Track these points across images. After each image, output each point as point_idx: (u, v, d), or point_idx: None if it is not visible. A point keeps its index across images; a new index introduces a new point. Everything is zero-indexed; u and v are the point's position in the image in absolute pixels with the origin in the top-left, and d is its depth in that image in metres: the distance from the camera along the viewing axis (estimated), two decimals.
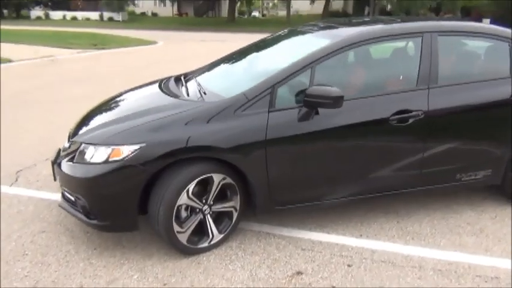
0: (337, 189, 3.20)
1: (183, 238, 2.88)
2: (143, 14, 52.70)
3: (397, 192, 3.35)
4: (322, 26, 3.78)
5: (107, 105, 3.55)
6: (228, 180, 2.94)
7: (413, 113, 3.10)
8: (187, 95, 3.30)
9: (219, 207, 3.00)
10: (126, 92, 3.91)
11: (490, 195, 3.80)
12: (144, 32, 29.50)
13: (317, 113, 2.95)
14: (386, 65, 3.64)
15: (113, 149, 2.75)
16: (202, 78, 3.63)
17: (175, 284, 2.70)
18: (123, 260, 2.94)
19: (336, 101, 2.81)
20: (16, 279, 2.71)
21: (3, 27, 32.05)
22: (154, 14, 52.17)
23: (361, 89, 3.24)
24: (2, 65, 12.84)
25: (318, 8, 49.99)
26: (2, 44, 19.09)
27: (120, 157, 2.72)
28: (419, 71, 3.19)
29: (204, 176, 2.84)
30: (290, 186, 3.06)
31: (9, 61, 13.50)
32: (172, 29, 34.37)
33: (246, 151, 2.86)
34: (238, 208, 3.07)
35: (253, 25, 38.43)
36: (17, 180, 4.21)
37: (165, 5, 51.76)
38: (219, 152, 2.82)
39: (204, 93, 3.22)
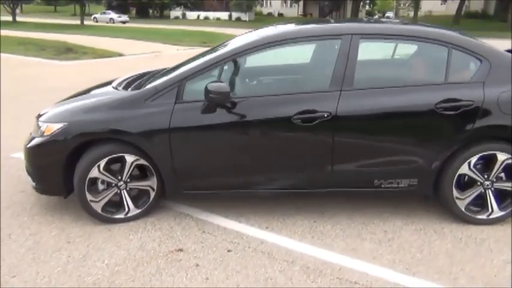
0: (248, 181, 3.38)
1: (97, 207, 3.36)
2: (270, 14, 54.61)
3: (321, 192, 3.40)
4: (271, 25, 3.92)
5: (79, 92, 4.16)
6: (142, 161, 3.34)
7: (318, 113, 3.14)
8: (132, 87, 3.71)
9: (135, 184, 3.42)
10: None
11: (436, 209, 3.58)
12: None
13: (233, 107, 3.19)
14: (302, 66, 3.67)
15: (47, 126, 3.34)
16: (158, 75, 4.03)
17: (77, 243, 3.19)
18: (56, 220, 3.52)
19: (223, 96, 3.04)
20: None
21: (144, 26, 36.11)
22: (280, 15, 53.73)
23: (271, 88, 3.37)
24: (113, 58, 14.79)
25: (454, 8, 46.50)
26: (128, 40, 21.79)
27: (49, 133, 3.30)
28: (333, 73, 3.21)
29: (115, 155, 3.27)
30: (196, 173, 3.34)
31: (120, 55, 15.47)
32: None
33: (151, 137, 3.23)
34: (155, 188, 3.45)
35: None
36: None
37: (291, 6, 52.95)
38: (127, 136, 3.23)
39: (142, 85, 3.64)
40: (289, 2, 51.32)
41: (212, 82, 3.10)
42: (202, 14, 51.50)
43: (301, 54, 3.70)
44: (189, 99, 3.24)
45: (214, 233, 3.32)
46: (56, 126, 3.28)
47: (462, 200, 3.32)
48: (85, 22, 35.80)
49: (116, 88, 3.66)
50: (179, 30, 29.71)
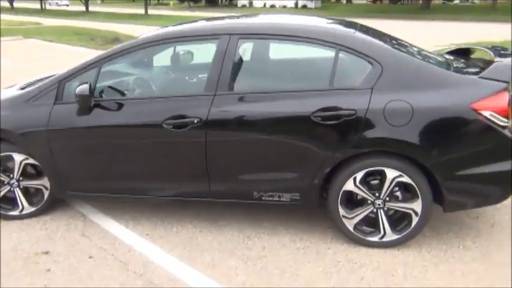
0: (134, 187, 3.27)
1: None
2: (338, 1, 53.09)
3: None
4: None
5: None
6: (32, 160, 3.36)
7: (188, 119, 2.96)
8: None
9: (27, 183, 3.46)
10: None
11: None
12: None
13: (107, 109, 3.11)
14: (186, 68, 3.44)
15: None
16: None
17: None
18: None
19: (81, 99, 2.96)
20: None
21: (208, 14, 36.71)
22: (349, 1, 52.02)
23: (148, 91, 3.22)
24: None
25: None
26: None
27: None
28: (208, 76, 3.00)
29: (3, 153, 3.33)
30: (77, 174, 3.30)
31: None
32: (354, 16, 33.81)
33: (32, 136, 3.24)
34: (48, 187, 3.47)
35: (449, 13, 34.92)
36: None
37: None
38: (10, 135, 3.27)
39: None
40: None
41: (81, 84, 3.02)
42: (269, 2, 51.14)
43: (188, 55, 3.50)
44: (67, 101, 3.19)
45: (92, 236, 3.27)
46: None
47: (350, 219, 2.98)
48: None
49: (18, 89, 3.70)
50: None
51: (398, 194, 2.93)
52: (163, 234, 3.27)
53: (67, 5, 56.16)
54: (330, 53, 2.90)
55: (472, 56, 3.68)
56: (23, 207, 3.50)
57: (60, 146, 3.21)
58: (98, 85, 3.13)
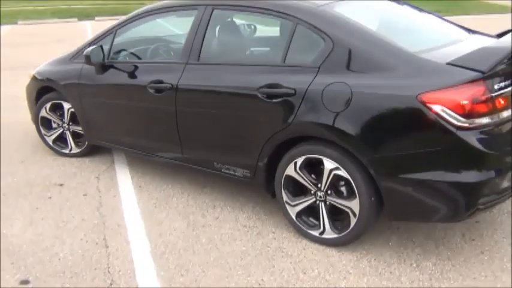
0: (141, 145, 3.58)
1: (49, 140, 4.23)
2: None
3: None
4: None
5: None
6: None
7: (163, 84, 3.16)
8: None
9: (75, 128, 4.17)
10: None
11: None
12: None
13: (115, 70, 3.53)
14: (178, 37, 3.49)
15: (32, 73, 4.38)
16: None
17: (19, 165, 4.13)
18: (30, 147, 4.55)
19: (86, 59, 3.42)
20: None
21: None
22: None
23: (144, 55, 3.50)
24: None
25: None
26: None
27: (30, 77, 4.33)
28: (184, 44, 3.13)
29: (56, 101, 4.08)
30: (100, 126, 3.82)
31: None
32: None
33: (69, 88, 3.88)
34: None
35: None
36: None
37: None
38: (56, 84, 3.97)
39: None
40: None
41: (91, 47, 3.49)
42: None
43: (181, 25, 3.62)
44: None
45: (102, 179, 3.78)
46: (32, 73, 4.30)
47: (292, 207, 2.80)
48: None
49: None
50: None
51: (343, 189, 2.62)
52: (152, 190, 3.57)
53: None
54: (288, 27, 2.71)
55: None
56: (71, 148, 4.24)
57: (86, 99, 3.77)
58: (111, 49, 3.55)
